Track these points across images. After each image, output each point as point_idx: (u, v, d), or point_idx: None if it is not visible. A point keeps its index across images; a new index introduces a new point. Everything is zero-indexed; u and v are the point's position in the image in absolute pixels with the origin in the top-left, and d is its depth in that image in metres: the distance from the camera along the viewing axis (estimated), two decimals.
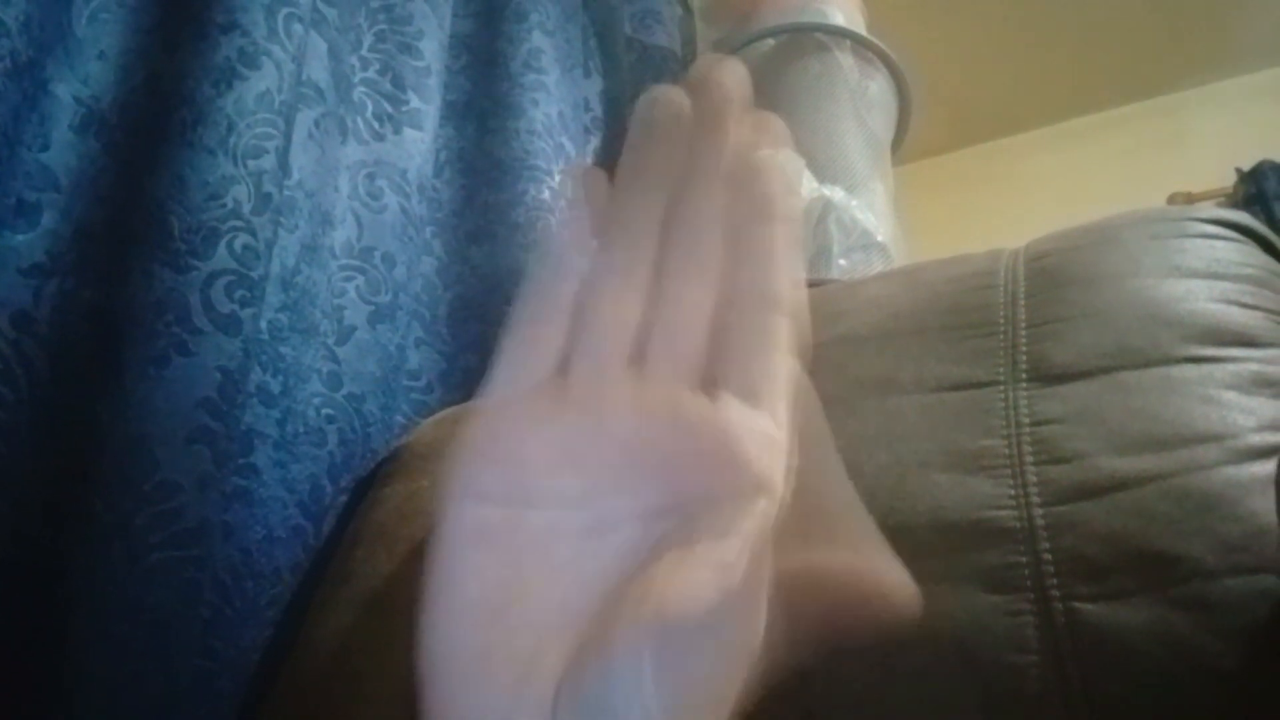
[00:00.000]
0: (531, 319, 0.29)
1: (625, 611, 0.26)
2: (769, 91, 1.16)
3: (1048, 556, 0.45)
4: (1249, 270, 0.55)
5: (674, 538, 0.27)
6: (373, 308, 0.81)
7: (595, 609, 0.27)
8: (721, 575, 0.25)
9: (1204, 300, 0.53)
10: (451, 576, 0.27)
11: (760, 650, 0.25)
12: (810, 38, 1.16)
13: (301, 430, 0.72)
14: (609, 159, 1.16)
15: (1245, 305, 0.53)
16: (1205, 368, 0.50)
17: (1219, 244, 0.57)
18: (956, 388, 0.54)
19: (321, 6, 0.78)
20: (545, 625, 0.27)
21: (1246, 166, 2.63)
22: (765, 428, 0.27)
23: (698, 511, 0.26)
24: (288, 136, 0.69)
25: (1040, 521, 0.46)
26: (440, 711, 0.27)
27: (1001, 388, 0.53)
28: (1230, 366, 0.50)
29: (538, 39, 1.06)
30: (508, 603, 0.27)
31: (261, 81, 0.67)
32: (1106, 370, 0.51)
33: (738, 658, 0.25)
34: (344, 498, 0.75)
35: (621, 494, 0.28)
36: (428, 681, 0.27)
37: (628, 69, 1.30)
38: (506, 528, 0.27)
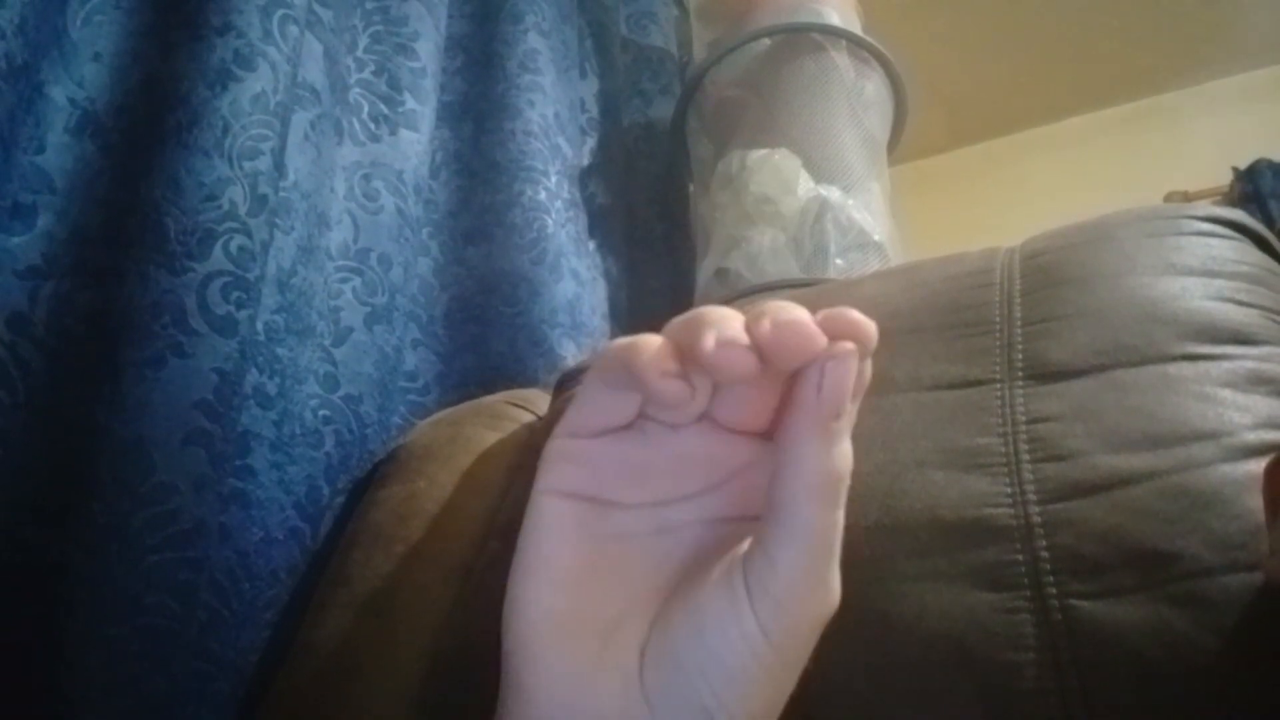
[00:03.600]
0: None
1: (712, 574, 0.30)
2: (765, 92, 1.16)
3: (1044, 554, 0.45)
4: (1245, 268, 0.55)
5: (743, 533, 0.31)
6: (369, 309, 0.81)
7: (671, 588, 0.31)
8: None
9: (1200, 298, 0.53)
10: (540, 555, 0.31)
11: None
12: (806, 38, 1.16)
13: (298, 432, 0.72)
14: (604, 160, 1.16)
15: (1241, 303, 0.53)
16: (1201, 365, 0.50)
17: (1214, 242, 0.57)
18: (953, 386, 0.54)
19: (317, 8, 0.78)
20: (625, 598, 0.30)
21: (1243, 165, 2.64)
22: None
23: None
24: (283, 138, 0.69)
25: (1037, 519, 0.46)
26: (525, 674, 0.30)
27: (998, 386, 0.53)
28: (1226, 364, 0.50)
29: (533, 40, 1.06)
30: (591, 579, 0.30)
31: (257, 83, 0.67)
32: (1102, 368, 0.51)
33: (821, 599, 0.29)
34: (341, 499, 0.75)
35: (688, 500, 0.31)
36: (513, 648, 0.30)
37: (623, 70, 1.31)
38: (591, 519, 0.31)
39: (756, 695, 0.29)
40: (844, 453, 0.29)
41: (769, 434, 0.30)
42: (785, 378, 0.29)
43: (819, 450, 0.28)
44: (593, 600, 0.30)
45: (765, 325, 0.27)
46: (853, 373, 0.28)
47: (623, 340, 0.29)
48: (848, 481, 0.29)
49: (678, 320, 0.29)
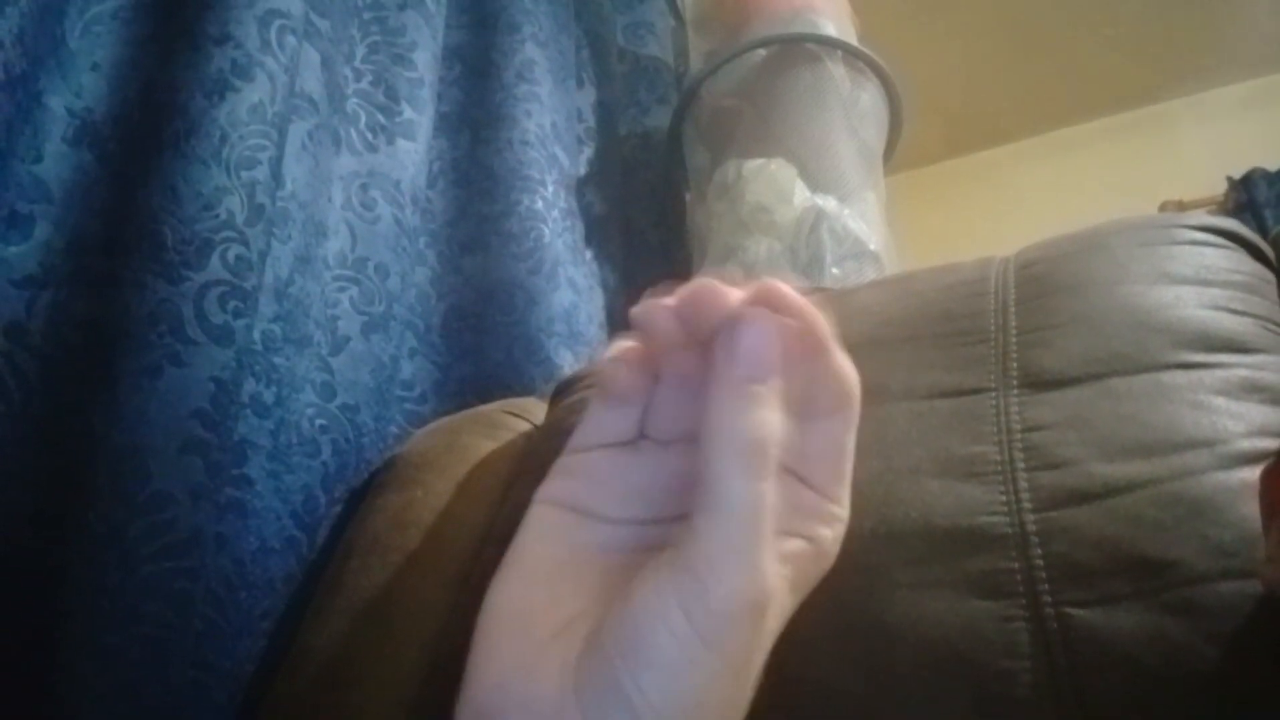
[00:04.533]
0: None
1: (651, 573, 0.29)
2: (761, 102, 1.16)
3: (1039, 562, 0.45)
4: (1238, 277, 0.56)
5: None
6: (366, 318, 0.81)
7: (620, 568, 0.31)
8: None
9: (1193, 307, 0.53)
10: (518, 554, 0.32)
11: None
12: (802, 48, 1.17)
13: (295, 441, 0.72)
14: (601, 170, 1.16)
15: (1234, 311, 0.53)
16: (1195, 374, 0.50)
17: (1208, 251, 0.58)
18: (948, 395, 0.54)
19: (314, 18, 0.78)
20: (588, 599, 0.31)
21: (1237, 174, 2.65)
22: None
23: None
24: (281, 147, 0.69)
25: (1032, 527, 0.46)
26: (478, 657, 0.30)
27: (993, 394, 0.53)
28: (1220, 372, 0.50)
29: (530, 50, 1.07)
30: (560, 579, 0.31)
31: (254, 93, 0.67)
32: (1097, 376, 0.51)
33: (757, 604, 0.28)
34: (338, 508, 0.75)
35: (675, 525, 0.30)
36: (476, 636, 0.31)
37: (620, 80, 1.31)
38: (575, 528, 0.32)
39: (683, 688, 0.27)
40: (764, 421, 0.28)
41: None
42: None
43: (733, 414, 0.28)
44: (557, 597, 0.31)
45: (683, 291, 0.29)
46: (769, 337, 0.29)
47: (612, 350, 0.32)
48: (772, 452, 0.28)
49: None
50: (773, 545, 0.28)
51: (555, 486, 0.33)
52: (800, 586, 0.31)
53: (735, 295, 0.29)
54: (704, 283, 0.29)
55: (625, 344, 0.32)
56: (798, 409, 0.30)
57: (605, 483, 0.32)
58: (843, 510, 0.32)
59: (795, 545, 0.30)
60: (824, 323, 0.31)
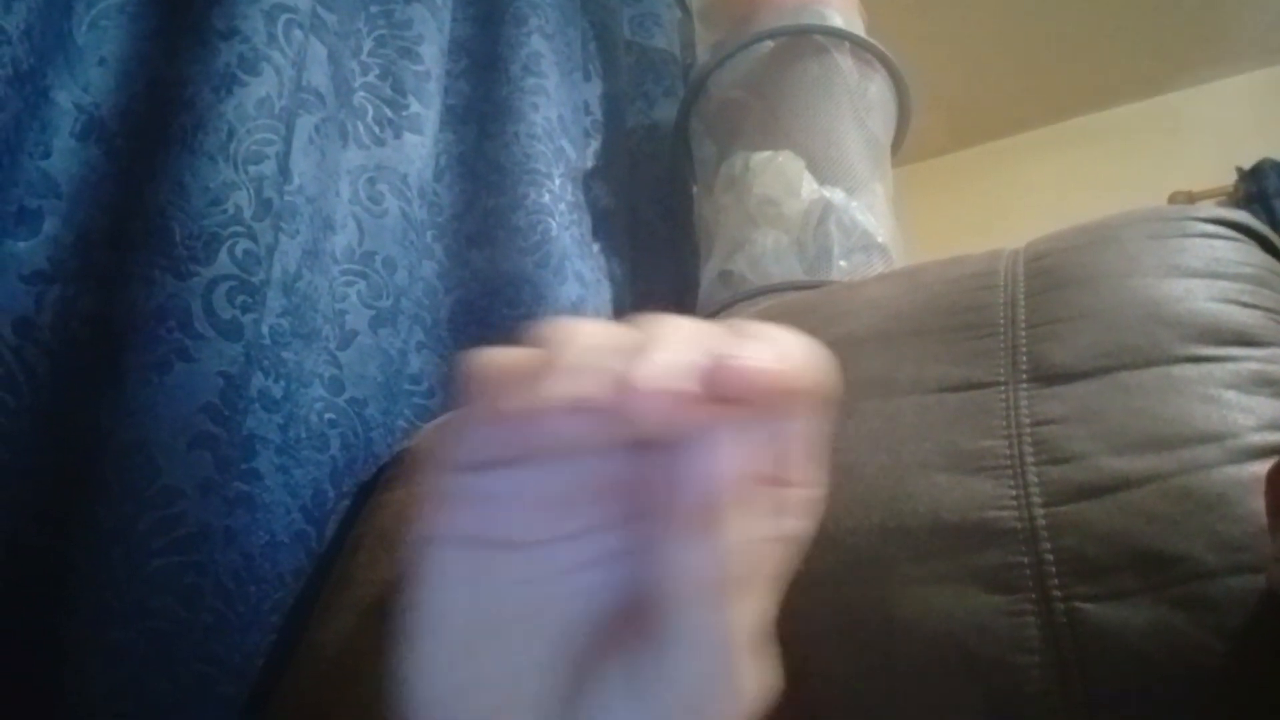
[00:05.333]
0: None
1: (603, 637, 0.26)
2: (768, 94, 1.16)
3: (1049, 557, 0.45)
4: (1248, 269, 0.55)
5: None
6: (374, 312, 0.81)
7: (575, 647, 0.26)
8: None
9: (1203, 299, 0.53)
10: (429, 620, 0.26)
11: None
12: (809, 40, 1.16)
13: (304, 435, 0.72)
14: (607, 163, 1.16)
15: (1245, 304, 0.53)
16: (1205, 367, 0.50)
17: (1218, 243, 0.57)
18: (957, 388, 0.54)
19: (321, 12, 0.78)
20: (523, 661, 0.26)
21: (1247, 165, 2.63)
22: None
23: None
24: (288, 142, 0.69)
25: (1041, 522, 0.46)
26: None
27: (1002, 388, 0.53)
28: (1230, 366, 0.50)
29: (537, 43, 1.06)
30: (490, 642, 0.26)
31: (262, 87, 0.67)
32: (1107, 370, 0.51)
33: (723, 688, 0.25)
34: (346, 502, 0.76)
35: (604, 531, 0.26)
36: None
37: (627, 72, 1.31)
38: (487, 565, 0.26)
39: None
40: (734, 547, 0.23)
41: None
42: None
43: (685, 553, 0.23)
44: (482, 668, 0.26)
45: (624, 377, 0.22)
46: (725, 464, 0.23)
47: (484, 357, 0.25)
48: (746, 576, 0.24)
49: (532, 344, 0.25)
50: (749, 657, 0.25)
51: (447, 517, 0.26)
52: (780, 582, 0.27)
53: (672, 393, 0.22)
54: (642, 377, 0.22)
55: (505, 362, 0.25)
56: (768, 421, 0.25)
57: (512, 501, 0.25)
58: (819, 488, 0.27)
59: (778, 558, 0.26)
60: (799, 375, 0.24)
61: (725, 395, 0.22)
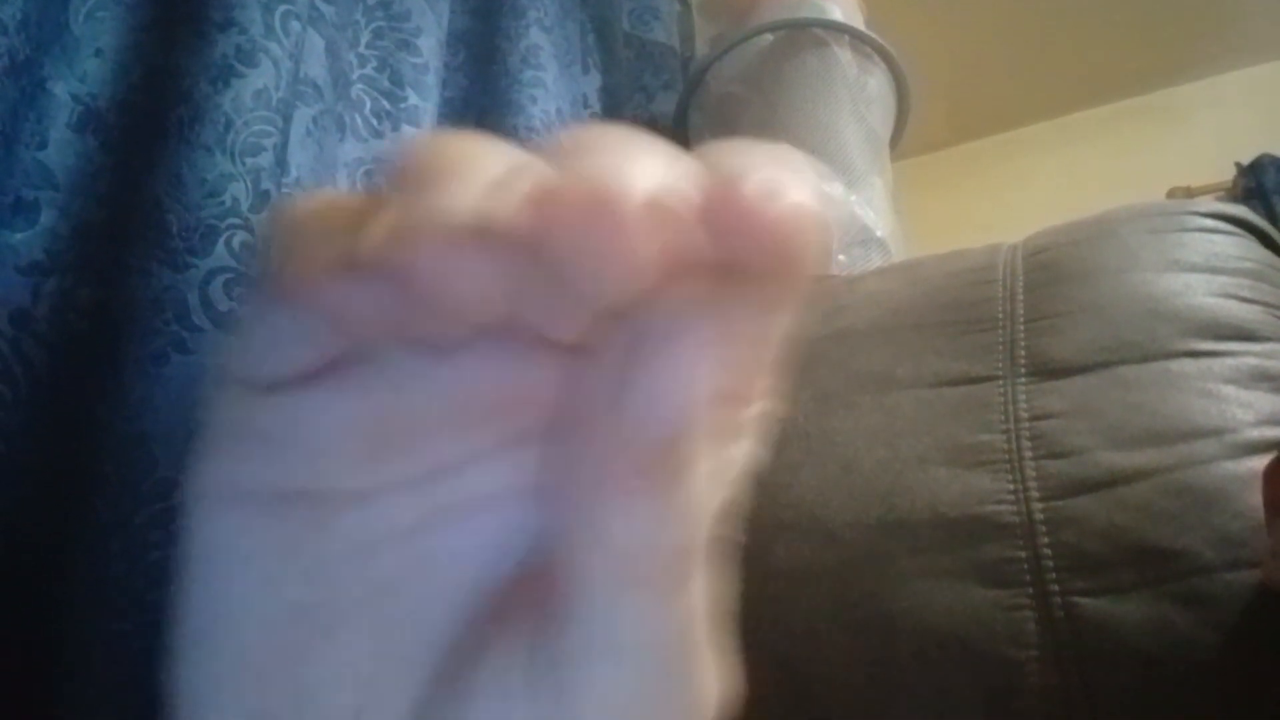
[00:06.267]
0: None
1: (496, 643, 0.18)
2: (767, 87, 1.16)
3: (1047, 551, 0.45)
4: (1247, 264, 0.55)
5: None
6: None
7: (453, 631, 0.18)
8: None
9: (1202, 294, 0.53)
10: (212, 620, 0.18)
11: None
12: (808, 33, 1.16)
13: None
14: None
15: (1244, 299, 0.53)
16: (1204, 362, 0.50)
17: (1217, 238, 0.57)
18: (955, 383, 0.54)
19: (319, 4, 0.78)
20: (368, 672, 0.18)
21: (1246, 160, 2.63)
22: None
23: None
24: (286, 134, 0.69)
25: (1039, 516, 0.46)
26: None
27: (1000, 383, 0.53)
28: (1229, 360, 0.50)
29: (535, 35, 1.06)
30: (304, 650, 0.17)
31: (259, 79, 0.67)
32: (1105, 365, 0.51)
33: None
34: None
35: (480, 464, 0.18)
36: None
37: (626, 65, 1.30)
38: (302, 531, 0.17)
39: None
40: (691, 507, 0.16)
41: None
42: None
43: (623, 517, 0.15)
44: (304, 690, 0.18)
45: (528, 186, 0.14)
46: (695, 374, 0.14)
47: (287, 206, 0.16)
48: (700, 543, 0.17)
49: (410, 147, 0.15)
50: (701, 657, 0.17)
51: (235, 461, 0.17)
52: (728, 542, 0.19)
53: (635, 233, 0.13)
54: (588, 189, 0.13)
55: (316, 206, 0.16)
56: (758, 301, 0.16)
57: (330, 431, 0.16)
58: (769, 400, 0.18)
59: (727, 507, 0.18)
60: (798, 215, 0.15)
61: (726, 248, 0.14)
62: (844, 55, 1.15)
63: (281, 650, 0.17)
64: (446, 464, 0.18)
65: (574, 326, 0.15)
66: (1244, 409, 0.47)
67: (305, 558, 0.17)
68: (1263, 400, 0.48)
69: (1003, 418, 0.51)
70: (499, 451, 0.18)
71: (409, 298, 0.14)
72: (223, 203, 0.63)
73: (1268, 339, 0.51)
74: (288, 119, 0.70)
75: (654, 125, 1.29)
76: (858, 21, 1.21)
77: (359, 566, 0.17)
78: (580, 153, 0.14)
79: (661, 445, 0.14)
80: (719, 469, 0.17)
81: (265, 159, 0.66)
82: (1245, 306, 0.53)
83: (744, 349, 0.16)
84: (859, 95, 1.15)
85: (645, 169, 0.14)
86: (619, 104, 1.25)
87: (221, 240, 0.63)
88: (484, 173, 0.14)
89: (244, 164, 0.65)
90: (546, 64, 1.06)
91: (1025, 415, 0.50)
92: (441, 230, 0.13)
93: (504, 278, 0.14)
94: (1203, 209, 0.60)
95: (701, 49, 1.34)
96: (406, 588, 0.18)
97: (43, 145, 0.62)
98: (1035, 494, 0.47)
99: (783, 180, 0.14)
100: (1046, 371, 0.52)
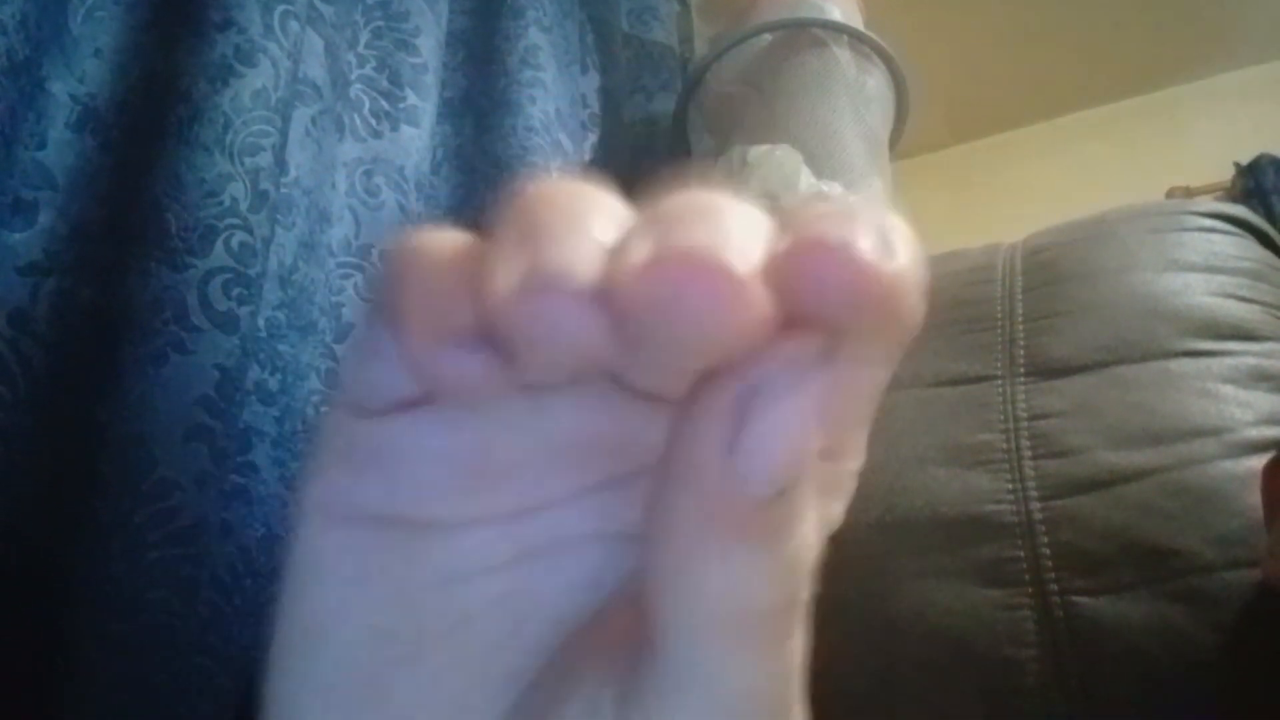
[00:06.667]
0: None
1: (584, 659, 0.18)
2: (766, 88, 1.16)
3: (1046, 551, 0.45)
4: (1246, 264, 0.55)
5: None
6: (371, 305, 0.81)
7: (537, 666, 0.19)
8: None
9: (1201, 294, 0.53)
10: (309, 635, 0.19)
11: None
12: (807, 33, 1.16)
13: (300, 428, 0.72)
14: (605, 156, 1.16)
15: (1243, 299, 0.53)
16: (1203, 361, 0.50)
17: (1216, 238, 0.57)
18: (954, 382, 0.54)
19: (318, 4, 0.78)
20: (453, 701, 0.18)
21: (1245, 160, 2.63)
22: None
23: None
24: (284, 134, 0.69)
25: (1038, 516, 0.46)
26: None
27: (999, 382, 0.53)
28: (1228, 360, 0.50)
29: (535, 35, 1.06)
30: (393, 674, 0.18)
31: (258, 79, 0.67)
32: (1104, 364, 0.51)
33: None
34: None
35: (571, 506, 0.18)
36: None
37: (625, 65, 1.30)
38: (396, 556, 0.18)
39: None
40: (784, 566, 0.15)
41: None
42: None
43: (718, 571, 0.15)
44: (401, 704, 0.18)
45: (645, 250, 0.13)
46: (801, 429, 0.14)
47: (406, 245, 0.17)
48: (796, 607, 0.17)
49: (508, 208, 0.16)
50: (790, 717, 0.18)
51: (337, 483, 0.18)
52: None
53: (757, 300, 0.13)
54: (698, 248, 0.13)
55: (440, 290, 0.16)
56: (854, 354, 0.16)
57: (428, 462, 0.17)
58: (862, 456, 0.19)
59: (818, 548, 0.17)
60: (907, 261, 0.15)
61: (811, 303, 0.14)
62: (843, 55, 1.15)
63: (368, 672, 0.18)
64: (536, 503, 0.18)
65: (675, 385, 0.15)
66: (1243, 408, 0.47)
67: (395, 582, 0.18)
68: (1261, 400, 0.48)
69: (1002, 417, 0.51)
70: (589, 495, 0.18)
71: (518, 357, 0.15)
72: (221, 203, 0.63)
73: (1267, 338, 0.51)
74: (286, 119, 0.70)
75: (653, 125, 1.29)
76: (857, 21, 1.21)
77: (444, 597, 0.18)
78: (687, 215, 0.14)
79: (768, 500, 0.14)
80: (818, 525, 0.16)
81: (264, 159, 0.66)
82: (1244, 306, 0.53)
83: (847, 404, 0.16)
84: (858, 95, 1.15)
85: (753, 233, 0.14)
86: (618, 104, 1.25)
87: (220, 240, 0.63)
88: (599, 229, 0.15)
89: (243, 164, 0.65)
90: (545, 64, 1.06)
91: (1024, 415, 0.50)
92: (561, 290, 0.14)
93: (613, 338, 0.14)
94: (1202, 209, 0.60)
95: (700, 49, 1.34)
96: (489, 622, 0.18)
97: (41, 145, 0.62)
98: (1034, 493, 0.47)
99: (888, 242, 0.14)
100: (1045, 371, 0.52)
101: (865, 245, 0.14)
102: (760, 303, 0.13)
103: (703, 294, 0.13)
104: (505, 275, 0.14)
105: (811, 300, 0.14)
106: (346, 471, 0.18)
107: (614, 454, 0.18)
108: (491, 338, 0.15)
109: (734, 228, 0.14)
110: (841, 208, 0.15)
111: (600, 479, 0.18)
